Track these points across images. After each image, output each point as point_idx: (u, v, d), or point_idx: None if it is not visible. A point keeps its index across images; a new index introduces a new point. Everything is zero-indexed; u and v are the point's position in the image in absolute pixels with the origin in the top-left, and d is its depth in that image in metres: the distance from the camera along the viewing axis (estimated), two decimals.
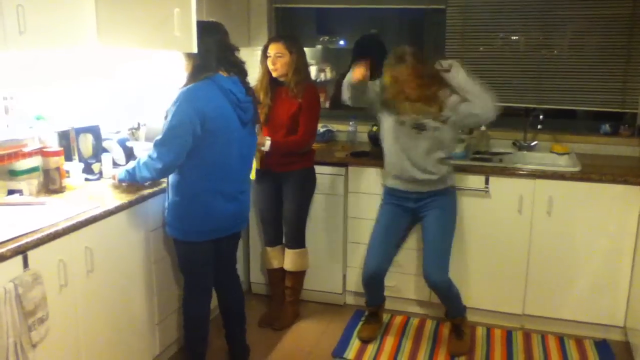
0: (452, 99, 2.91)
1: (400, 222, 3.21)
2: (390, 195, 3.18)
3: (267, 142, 3.13)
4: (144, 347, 2.80)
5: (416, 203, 3.10)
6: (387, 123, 3.06)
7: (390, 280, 3.50)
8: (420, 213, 3.12)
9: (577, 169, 3.21)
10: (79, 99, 2.97)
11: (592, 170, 3.18)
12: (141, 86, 3.31)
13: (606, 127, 3.71)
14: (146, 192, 2.68)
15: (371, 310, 3.38)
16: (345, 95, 3.08)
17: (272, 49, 3.16)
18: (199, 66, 2.47)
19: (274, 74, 3.18)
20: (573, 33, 3.67)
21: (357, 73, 2.92)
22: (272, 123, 3.22)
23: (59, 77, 2.82)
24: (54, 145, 2.77)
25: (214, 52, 2.48)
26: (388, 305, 3.49)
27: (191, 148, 2.42)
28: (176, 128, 2.39)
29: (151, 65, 3.27)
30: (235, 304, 2.93)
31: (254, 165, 2.92)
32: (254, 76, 3.44)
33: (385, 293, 3.48)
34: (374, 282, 3.22)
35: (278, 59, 3.14)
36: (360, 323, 3.41)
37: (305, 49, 3.30)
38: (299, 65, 3.18)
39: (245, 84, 2.57)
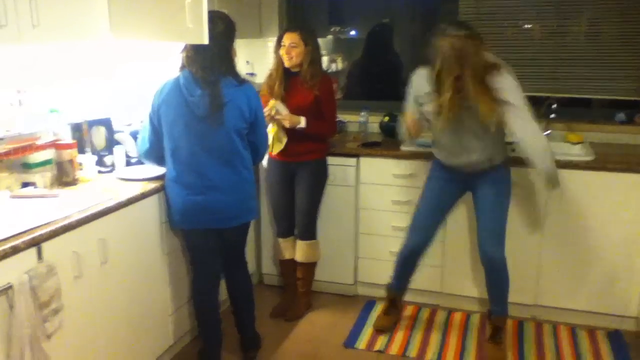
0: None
1: (447, 200, 3.10)
2: (440, 168, 3.06)
3: (303, 119, 3.14)
4: (157, 337, 2.83)
5: (467, 177, 2.98)
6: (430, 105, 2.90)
7: None
8: (471, 186, 3.01)
9: (591, 158, 3.18)
10: (91, 91, 2.99)
11: (606, 159, 3.15)
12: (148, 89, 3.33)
13: (621, 116, 3.66)
14: (158, 184, 2.70)
15: (390, 297, 3.32)
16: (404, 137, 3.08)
17: (287, 39, 3.15)
18: (180, 63, 2.62)
19: (288, 64, 3.17)
20: (588, 20, 3.62)
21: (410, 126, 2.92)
22: None
23: (70, 69, 2.83)
24: (67, 138, 2.79)
25: (187, 51, 2.57)
26: None
27: (161, 138, 2.63)
28: (146, 119, 2.67)
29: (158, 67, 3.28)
30: (242, 292, 2.96)
31: (275, 144, 3.16)
32: (265, 66, 3.45)
33: None
34: (410, 261, 3.16)
35: (292, 49, 3.13)
36: (378, 313, 3.40)
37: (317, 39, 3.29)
38: (314, 57, 3.18)
39: (207, 82, 2.51)
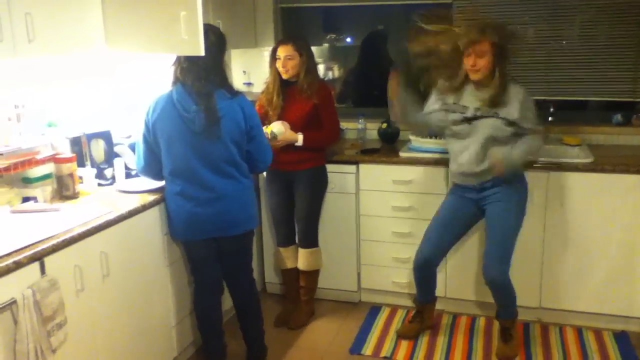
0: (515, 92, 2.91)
1: (461, 214, 3.05)
2: (456, 187, 3.08)
3: (300, 137, 3.15)
4: (161, 349, 2.81)
5: (479, 193, 2.96)
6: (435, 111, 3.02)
7: (403, 277, 3.50)
8: (483, 204, 2.97)
9: (589, 160, 3.18)
10: (89, 104, 2.99)
11: (605, 161, 3.15)
12: (148, 88, 3.32)
13: (618, 117, 3.67)
14: (159, 195, 2.70)
15: (418, 309, 3.28)
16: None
17: (282, 52, 3.16)
18: (173, 77, 2.61)
19: (285, 76, 3.19)
20: (582, 23, 3.64)
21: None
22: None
23: (68, 82, 2.84)
24: (66, 151, 2.78)
25: (181, 63, 2.57)
26: (403, 301, 3.49)
27: (159, 153, 2.62)
28: (141, 138, 2.67)
29: (158, 67, 3.28)
30: (247, 306, 2.93)
31: None
32: (262, 75, 3.45)
33: (398, 290, 3.48)
34: (424, 272, 3.13)
35: (288, 61, 3.15)
36: (405, 320, 3.39)
37: (312, 48, 3.30)
38: (310, 66, 3.20)
39: (201, 95, 2.52)
